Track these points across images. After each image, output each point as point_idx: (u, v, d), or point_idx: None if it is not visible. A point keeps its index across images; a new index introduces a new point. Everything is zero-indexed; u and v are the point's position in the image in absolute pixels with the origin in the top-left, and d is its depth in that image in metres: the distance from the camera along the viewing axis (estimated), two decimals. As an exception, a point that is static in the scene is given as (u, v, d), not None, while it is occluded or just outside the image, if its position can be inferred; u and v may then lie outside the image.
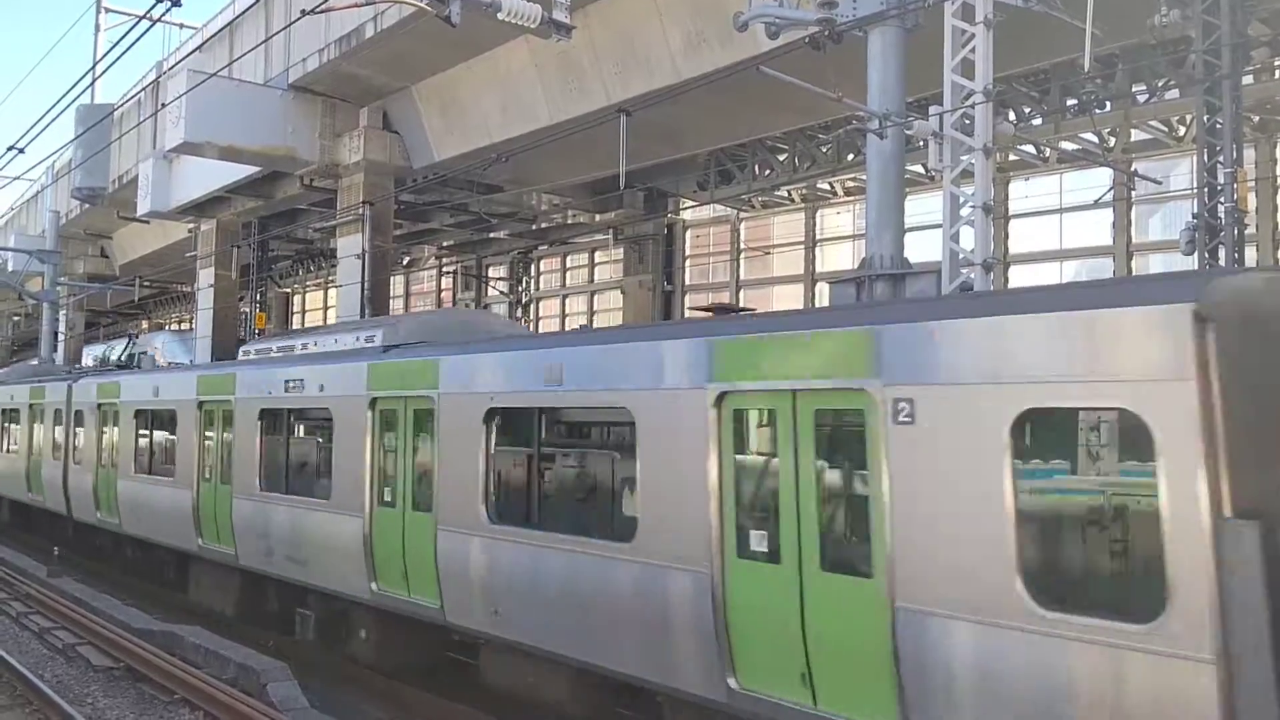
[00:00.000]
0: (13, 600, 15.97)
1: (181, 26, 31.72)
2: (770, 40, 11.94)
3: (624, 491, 8.92)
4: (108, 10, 39.03)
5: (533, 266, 35.54)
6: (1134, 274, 20.09)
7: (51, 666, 12.18)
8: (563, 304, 34.40)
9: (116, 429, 18.35)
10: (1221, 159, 12.36)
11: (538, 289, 35.44)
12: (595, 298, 33.08)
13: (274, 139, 23.23)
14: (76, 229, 39.47)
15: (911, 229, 13.86)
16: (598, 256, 33.05)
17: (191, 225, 32.12)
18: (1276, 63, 17.47)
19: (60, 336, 36.26)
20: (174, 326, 55.63)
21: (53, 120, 17.37)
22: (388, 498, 11.49)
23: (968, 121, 10.90)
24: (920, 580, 6.32)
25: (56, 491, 20.78)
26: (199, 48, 25.36)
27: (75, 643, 13.05)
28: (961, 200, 11.12)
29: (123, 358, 29.41)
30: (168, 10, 11.68)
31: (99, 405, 19.05)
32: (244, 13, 24.35)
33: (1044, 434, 6.12)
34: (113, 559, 19.51)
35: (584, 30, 16.87)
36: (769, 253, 28.45)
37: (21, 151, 19.92)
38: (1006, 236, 21.85)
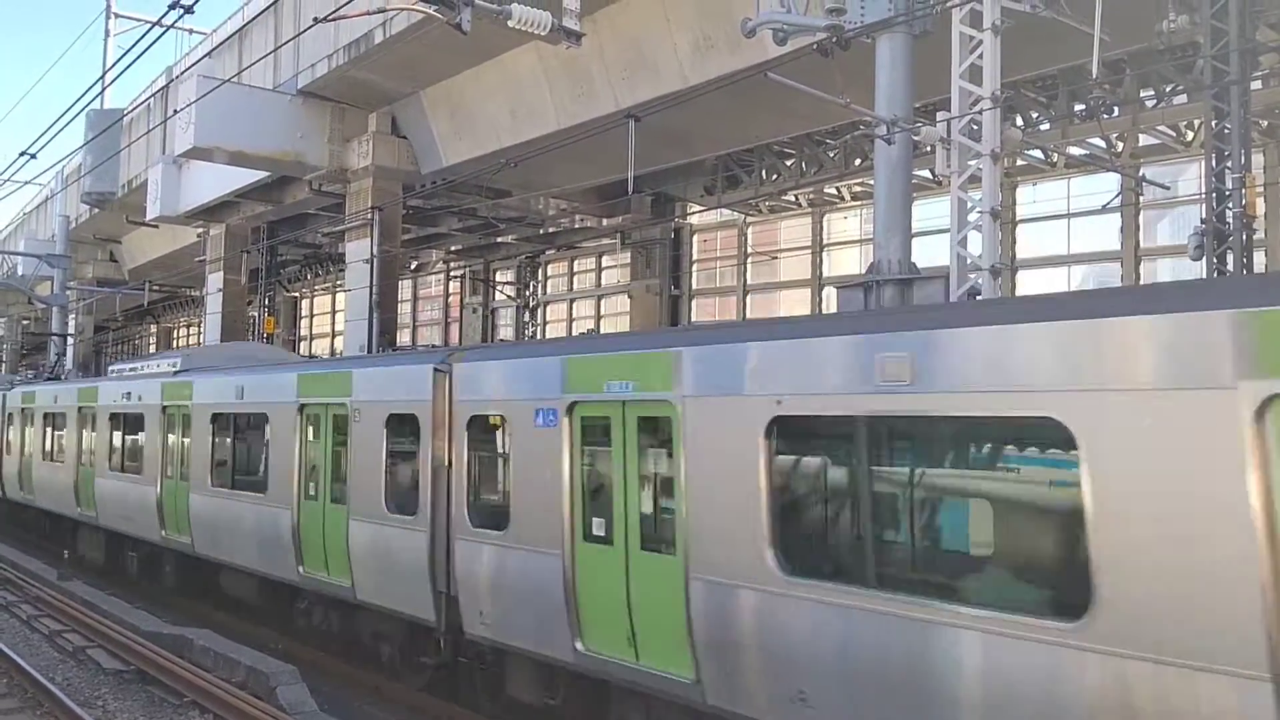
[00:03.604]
0: (23, 603, 16.03)
1: (191, 32, 31.81)
2: (778, 46, 11.96)
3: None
4: (118, 16, 39.24)
5: (540, 271, 35.58)
6: (1140, 280, 20.07)
7: (62, 669, 12.22)
8: (570, 308, 34.44)
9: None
10: (1230, 164, 12.36)
11: (545, 293, 35.47)
12: (602, 302, 33.11)
13: (283, 144, 23.34)
14: (86, 233, 39.60)
15: (919, 234, 13.88)
16: (605, 261, 33.06)
17: (200, 230, 32.25)
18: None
19: (69, 341, 36.32)
20: (183, 331, 55.93)
21: (64, 126, 17.71)
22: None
23: (975, 127, 10.92)
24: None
25: None
26: (209, 53, 25.47)
27: (85, 645, 13.10)
28: (969, 205, 11.14)
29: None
30: (180, 18, 11.75)
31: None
32: (254, 19, 24.45)
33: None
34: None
35: (593, 36, 16.92)
36: (776, 257, 28.42)
37: (33, 157, 20.17)
38: (1014, 242, 21.83)
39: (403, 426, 11.29)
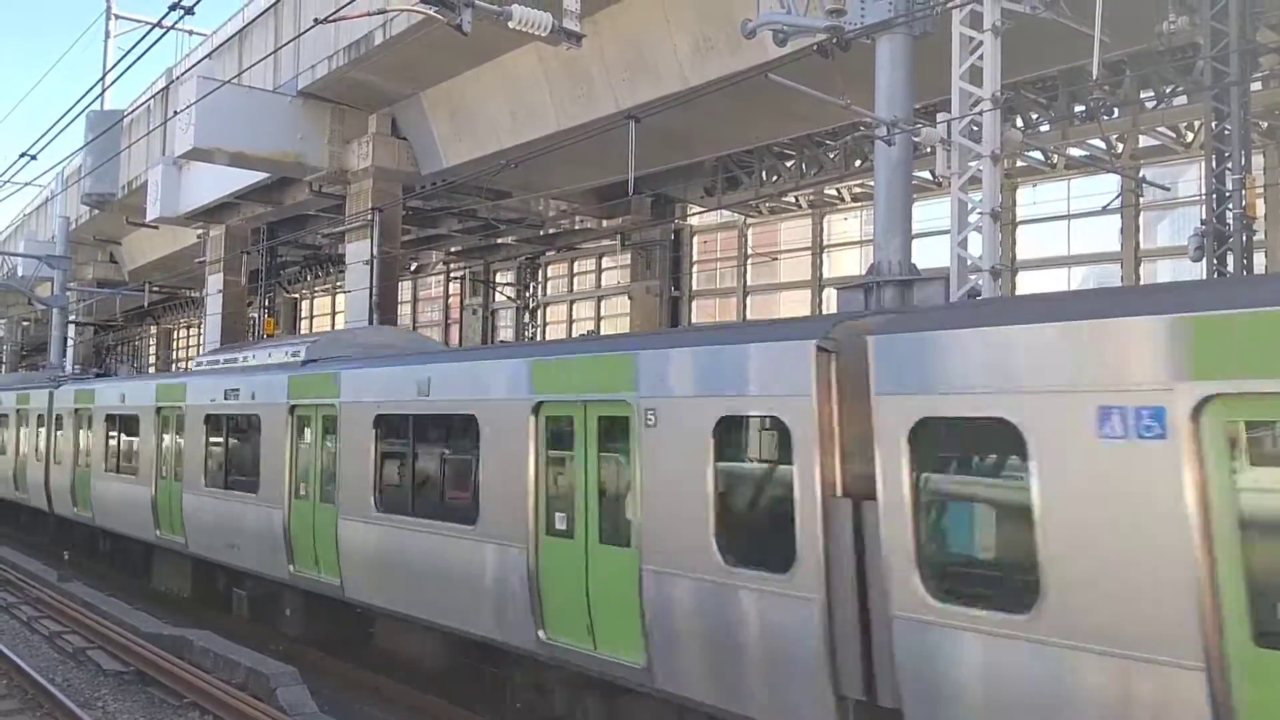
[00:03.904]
0: (23, 604, 16.04)
1: (191, 33, 31.79)
2: (778, 47, 11.95)
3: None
4: (118, 17, 39.22)
5: (540, 272, 35.58)
6: (1141, 280, 20.07)
7: (62, 670, 12.25)
8: (570, 309, 34.43)
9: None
10: (1230, 165, 12.36)
11: (545, 294, 35.47)
12: (602, 303, 33.10)
13: (283, 145, 23.34)
14: (86, 234, 39.62)
15: (919, 235, 13.86)
16: (605, 262, 33.06)
17: (200, 231, 32.24)
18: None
19: (69, 341, 36.35)
20: (183, 332, 55.93)
21: (65, 128, 17.64)
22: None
23: (975, 128, 10.92)
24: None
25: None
26: (209, 55, 25.48)
27: (85, 647, 13.12)
28: (969, 206, 11.15)
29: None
30: (180, 19, 11.76)
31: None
32: (254, 20, 24.46)
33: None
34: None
35: (593, 37, 16.93)
36: (776, 258, 28.43)
37: (34, 158, 20.25)
38: (1014, 243, 21.83)
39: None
